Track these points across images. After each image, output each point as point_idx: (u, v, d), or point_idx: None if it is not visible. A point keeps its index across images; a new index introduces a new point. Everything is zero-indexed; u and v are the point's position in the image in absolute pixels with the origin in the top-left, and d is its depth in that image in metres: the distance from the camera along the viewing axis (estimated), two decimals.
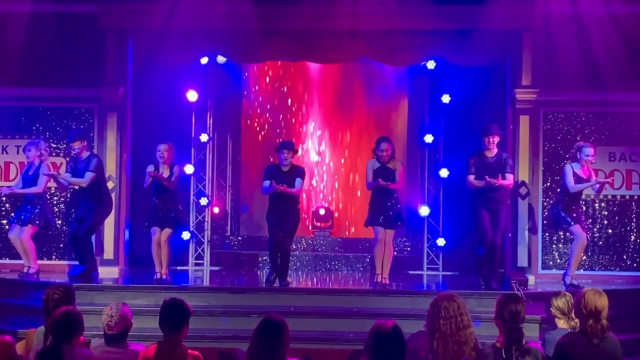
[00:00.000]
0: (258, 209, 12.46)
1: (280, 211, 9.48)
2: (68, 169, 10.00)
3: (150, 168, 9.58)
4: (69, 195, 11.10)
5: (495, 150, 9.60)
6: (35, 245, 10.14)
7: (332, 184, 12.94)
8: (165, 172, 9.58)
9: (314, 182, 12.91)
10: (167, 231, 9.60)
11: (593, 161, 9.67)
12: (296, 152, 9.90)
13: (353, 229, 12.74)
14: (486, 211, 9.52)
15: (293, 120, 12.91)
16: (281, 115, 12.89)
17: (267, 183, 9.48)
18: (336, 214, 12.84)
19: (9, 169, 11.07)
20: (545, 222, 10.59)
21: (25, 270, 10.07)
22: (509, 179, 9.59)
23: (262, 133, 12.85)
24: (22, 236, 10.06)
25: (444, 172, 11.59)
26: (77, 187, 10.20)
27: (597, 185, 9.56)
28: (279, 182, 9.34)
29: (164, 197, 9.60)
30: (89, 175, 9.67)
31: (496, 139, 9.57)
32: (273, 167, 9.71)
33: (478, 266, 9.70)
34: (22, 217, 10.08)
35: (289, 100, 12.90)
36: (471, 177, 9.54)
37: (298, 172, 9.58)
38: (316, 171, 12.93)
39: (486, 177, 9.34)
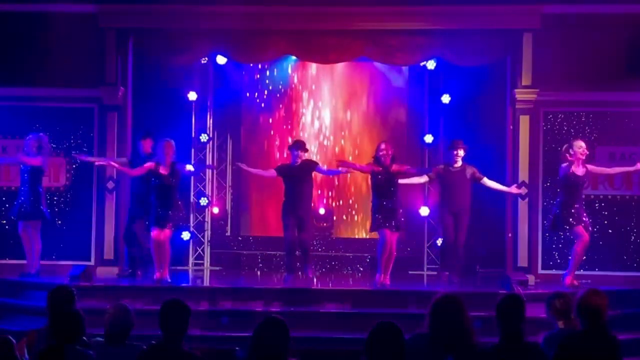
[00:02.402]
0: (258, 209, 12.46)
1: (296, 206, 10.01)
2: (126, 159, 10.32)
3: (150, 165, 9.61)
4: (69, 196, 11.10)
5: (460, 162, 10.12)
6: (41, 244, 10.20)
7: (331, 185, 12.91)
8: (164, 169, 9.51)
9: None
10: (167, 231, 9.58)
11: (587, 152, 9.71)
12: (306, 150, 10.37)
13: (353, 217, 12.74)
14: (450, 215, 10.18)
15: (293, 120, 12.89)
16: (281, 116, 12.87)
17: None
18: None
19: (8, 168, 11.05)
20: (546, 223, 10.57)
21: (25, 270, 10.08)
22: (487, 182, 10.15)
23: (262, 133, 12.83)
24: (30, 230, 10.07)
25: None
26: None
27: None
28: (291, 177, 10.01)
29: (165, 195, 9.53)
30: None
31: (462, 152, 10.11)
32: (284, 165, 10.42)
33: (442, 261, 10.58)
34: (22, 215, 10.09)
35: (289, 101, 12.88)
36: (431, 175, 10.25)
37: (310, 163, 10.31)
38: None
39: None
